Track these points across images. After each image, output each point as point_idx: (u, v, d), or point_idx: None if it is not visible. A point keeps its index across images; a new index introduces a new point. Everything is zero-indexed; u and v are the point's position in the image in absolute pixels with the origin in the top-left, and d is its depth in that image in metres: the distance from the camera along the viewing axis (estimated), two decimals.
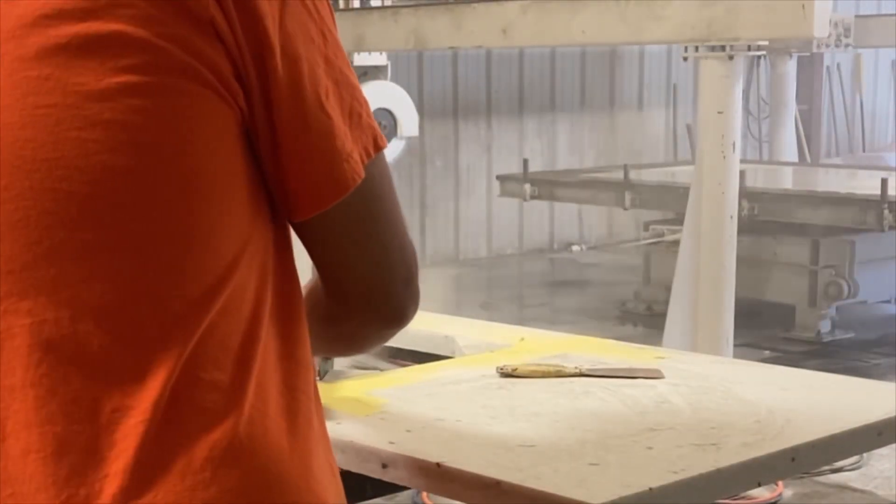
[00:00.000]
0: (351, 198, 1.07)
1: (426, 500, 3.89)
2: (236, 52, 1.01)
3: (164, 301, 1.00)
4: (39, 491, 0.97)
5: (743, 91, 5.31)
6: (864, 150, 11.42)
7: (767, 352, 6.34)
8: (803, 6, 3.84)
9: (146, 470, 0.97)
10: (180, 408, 0.99)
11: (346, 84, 1.08)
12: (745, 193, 6.24)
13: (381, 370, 2.08)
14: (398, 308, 1.18)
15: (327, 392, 1.74)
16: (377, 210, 1.12)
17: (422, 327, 2.22)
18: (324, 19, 1.08)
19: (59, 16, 0.98)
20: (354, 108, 1.08)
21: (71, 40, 0.98)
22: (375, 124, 1.10)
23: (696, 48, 4.21)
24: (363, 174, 1.07)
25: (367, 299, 1.16)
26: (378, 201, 1.12)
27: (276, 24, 1.02)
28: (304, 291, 1.20)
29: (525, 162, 7.85)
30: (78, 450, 0.98)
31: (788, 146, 8.98)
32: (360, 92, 1.10)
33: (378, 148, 1.10)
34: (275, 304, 1.07)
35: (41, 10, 0.98)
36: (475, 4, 5.07)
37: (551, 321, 7.16)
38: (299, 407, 1.08)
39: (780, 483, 4.00)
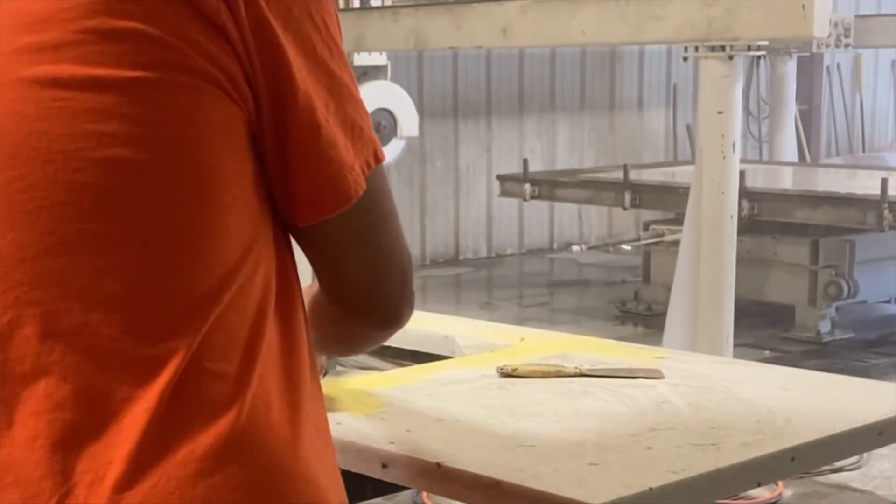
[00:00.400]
0: (351, 208, 1.09)
1: (426, 500, 3.89)
2: (246, 59, 1.03)
3: (174, 294, 1.01)
4: (45, 477, 0.98)
5: (743, 91, 5.32)
6: (864, 150, 11.41)
7: (767, 352, 6.34)
8: (803, 6, 3.84)
9: (149, 456, 0.99)
10: (186, 397, 1.00)
11: (350, 98, 1.10)
12: (745, 193, 6.23)
13: (381, 370, 2.08)
14: (394, 311, 1.21)
15: (328, 391, 1.74)
16: (375, 219, 1.15)
17: (422, 327, 2.22)
18: (330, 33, 1.09)
19: (76, 10, 0.99)
20: (357, 121, 1.10)
21: (87, 35, 0.99)
22: (375, 137, 1.13)
23: (696, 48, 4.21)
24: (364, 186, 1.10)
25: (364, 303, 1.20)
26: (376, 211, 1.14)
27: (286, 36, 1.04)
28: (307, 293, 1.22)
29: (525, 162, 7.84)
30: (87, 437, 0.99)
31: (788, 146, 8.97)
32: (363, 106, 1.12)
33: (378, 160, 1.13)
34: (278, 299, 1.09)
35: (60, 3, 1.00)
36: (475, 4, 5.07)
37: (551, 321, 7.17)
38: (301, 399, 1.10)
39: (780, 483, 4.00)
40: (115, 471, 0.98)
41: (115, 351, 1.00)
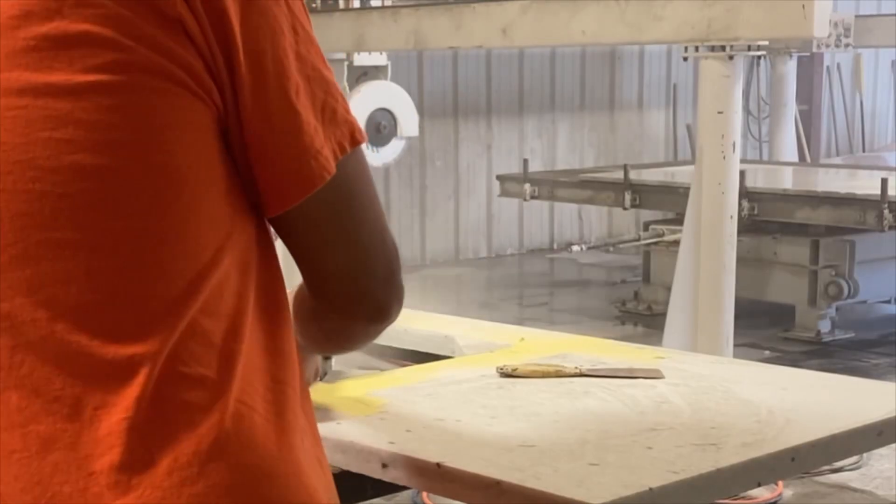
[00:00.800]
0: (323, 194, 1.06)
1: (426, 500, 3.89)
2: (206, 50, 1.01)
3: (141, 299, 1.00)
4: (25, 491, 0.98)
5: (743, 91, 5.32)
6: (864, 150, 11.41)
7: (767, 352, 6.35)
8: (803, 6, 3.84)
9: (133, 467, 0.98)
10: (164, 404, 0.99)
11: (319, 79, 1.07)
12: (745, 193, 6.24)
13: (381, 370, 2.08)
14: (380, 305, 1.17)
15: (327, 392, 1.74)
16: (353, 207, 1.11)
17: (422, 327, 2.22)
18: (295, 15, 1.07)
19: (27, 16, 0.98)
20: (328, 103, 1.07)
21: (39, 42, 0.98)
22: (353, 119, 1.10)
23: (696, 48, 4.21)
24: (333, 171, 1.06)
25: (347, 297, 1.15)
26: (354, 198, 1.11)
27: (239, 20, 1.02)
28: (294, 289, 1.20)
29: (525, 162, 7.85)
30: (62, 447, 0.98)
31: (788, 146, 8.98)
32: (336, 87, 1.09)
33: (355, 143, 1.09)
34: (258, 299, 1.07)
35: (8, 11, 0.99)
36: (475, 4, 5.07)
37: (551, 321, 7.17)
38: (287, 401, 1.08)
39: (780, 483, 4.00)
40: (97, 482, 0.97)
41: (85, 358, 0.98)
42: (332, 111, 1.08)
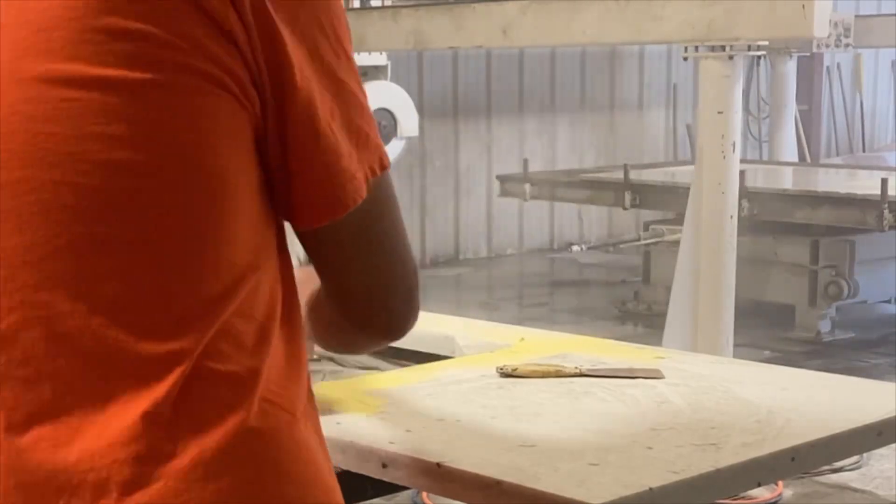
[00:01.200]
0: (352, 216, 1.09)
1: (426, 500, 3.89)
2: (253, 65, 1.02)
3: (179, 299, 1.01)
4: (49, 479, 0.99)
5: (743, 91, 5.32)
6: (864, 150, 11.42)
7: (767, 352, 6.35)
8: (803, 6, 3.84)
9: (158, 458, 0.99)
10: (193, 399, 1.00)
11: (356, 105, 1.09)
12: (745, 193, 6.24)
13: (381, 370, 2.08)
14: (397, 323, 1.21)
15: (328, 392, 1.74)
16: (379, 229, 1.14)
17: (422, 327, 2.21)
18: (339, 38, 1.09)
19: (85, 9, 0.99)
20: (362, 128, 1.09)
21: (94, 35, 0.99)
22: (381, 144, 1.12)
23: (696, 48, 4.21)
24: (365, 195, 1.09)
25: (366, 313, 1.19)
26: (380, 220, 1.13)
27: (293, 42, 1.03)
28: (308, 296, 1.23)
29: (525, 162, 7.85)
30: (91, 437, 0.99)
31: (788, 146, 8.98)
32: (368, 112, 1.11)
33: (383, 167, 1.12)
34: (283, 303, 1.10)
35: (66, 3, 0.99)
36: (475, 4, 5.06)
37: (551, 321, 7.17)
38: (301, 401, 1.10)
39: (780, 483, 4.01)
40: (121, 472, 0.98)
41: (120, 353, 1.00)
42: (366, 136, 1.10)
